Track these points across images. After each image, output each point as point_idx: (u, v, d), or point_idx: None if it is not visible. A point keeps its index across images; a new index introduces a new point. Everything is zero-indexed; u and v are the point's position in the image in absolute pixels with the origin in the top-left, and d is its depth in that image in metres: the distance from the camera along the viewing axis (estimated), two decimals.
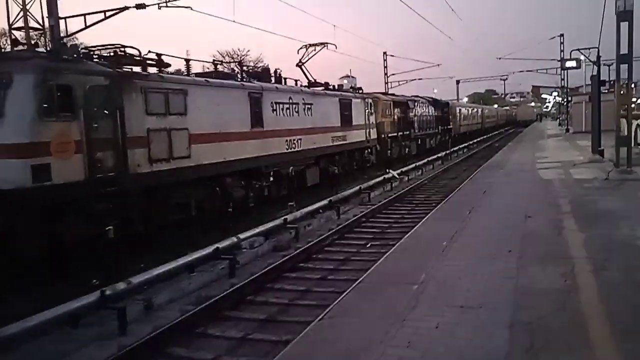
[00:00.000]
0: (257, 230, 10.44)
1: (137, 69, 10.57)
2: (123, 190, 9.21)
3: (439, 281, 5.43)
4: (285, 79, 18.76)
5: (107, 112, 9.03)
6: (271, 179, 14.41)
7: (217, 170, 11.75)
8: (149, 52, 11.44)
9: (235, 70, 14.60)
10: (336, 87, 20.39)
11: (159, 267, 8.01)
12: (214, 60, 13.77)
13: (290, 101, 15.26)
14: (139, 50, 10.65)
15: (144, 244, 9.71)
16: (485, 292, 4.96)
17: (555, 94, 56.16)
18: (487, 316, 4.36)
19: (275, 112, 14.37)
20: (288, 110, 15.09)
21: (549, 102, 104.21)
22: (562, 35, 43.60)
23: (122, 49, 10.42)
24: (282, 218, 11.59)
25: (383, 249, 9.68)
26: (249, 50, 46.14)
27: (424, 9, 25.09)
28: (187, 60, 12.54)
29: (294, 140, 15.35)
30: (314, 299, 7.33)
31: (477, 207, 9.82)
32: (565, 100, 45.95)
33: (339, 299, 5.25)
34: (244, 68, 15.71)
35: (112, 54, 10.34)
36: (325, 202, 13.94)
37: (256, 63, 44.14)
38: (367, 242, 10.74)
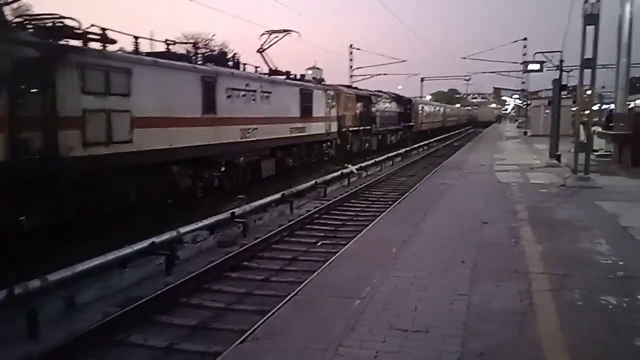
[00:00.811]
0: (200, 224, 9.77)
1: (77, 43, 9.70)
2: (52, 175, 8.37)
3: (384, 296, 4.90)
4: (244, 64, 18.03)
5: (36, 88, 8.17)
6: (223, 169, 13.71)
7: (163, 158, 10.98)
8: (92, 25, 10.57)
9: (190, 52, 13.67)
10: (297, 77, 19.73)
11: (83, 263, 7.26)
12: (166, 40, 12.86)
13: (247, 88, 14.55)
14: (79, 23, 9.76)
15: (79, 235, 8.92)
16: (434, 313, 4.46)
17: (515, 96, 57.14)
18: (434, 344, 3.83)
19: (230, 98, 13.63)
20: (244, 98, 14.38)
21: (509, 104, 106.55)
22: (525, 38, 44.30)
23: (61, 20, 9.51)
24: (230, 212, 10.95)
25: (334, 249, 9.23)
26: (214, 35, 44.67)
27: (391, 3, 24.65)
28: (136, 37, 11.61)
29: (249, 129, 14.67)
30: (253, 303, 6.77)
31: (432, 209, 9.42)
32: (524, 103, 46.72)
33: (270, 314, 4.64)
34: (201, 51, 14.81)
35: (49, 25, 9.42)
36: (278, 195, 13.36)
37: (221, 48, 42.86)
38: (318, 240, 10.24)
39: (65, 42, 9.06)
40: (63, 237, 8.60)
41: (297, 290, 5.14)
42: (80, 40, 9.83)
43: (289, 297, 4.96)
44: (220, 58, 14.99)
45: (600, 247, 6.81)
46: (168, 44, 12.69)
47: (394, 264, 5.97)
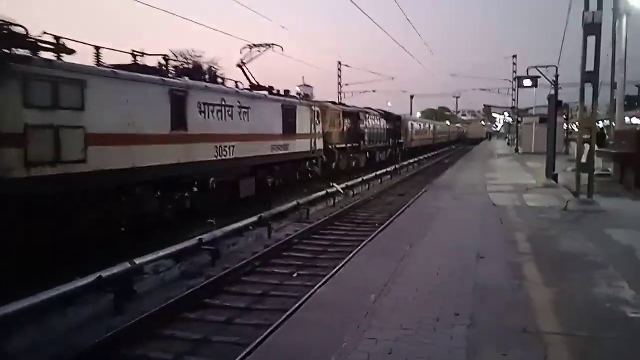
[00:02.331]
0: (161, 253, 8.67)
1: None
2: None
3: None
4: (223, 79, 17.10)
5: None
6: (195, 190, 12.64)
7: (124, 179, 9.91)
8: (44, 33, 9.58)
9: (162, 65, 12.65)
10: (281, 92, 18.80)
11: (15, 302, 6.17)
12: (133, 51, 11.87)
13: (223, 103, 13.55)
14: (26, 30, 8.77)
15: (17, 269, 7.80)
16: None
17: (506, 114, 56.72)
18: None
19: (203, 114, 12.62)
20: (220, 114, 13.37)
21: (499, 122, 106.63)
22: (515, 56, 43.87)
23: (6, 28, 8.52)
24: (197, 238, 9.87)
25: (310, 281, 8.21)
26: (203, 52, 43.79)
27: (378, 17, 23.95)
28: (97, 48, 10.64)
29: (225, 147, 13.63)
30: (209, 354, 5.68)
31: (420, 238, 8.30)
32: (515, 120, 46.20)
33: None
34: (175, 64, 13.80)
35: None
36: (254, 219, 12.30)
37: (210, 66, 41.98)
38: (294, 270, 9.18)
39: (6, 51, 8.04)
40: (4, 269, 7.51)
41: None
42: (29, 50, 8.89)
43: None
44: (195, 71, 14.01)
45: (623, 293, 5.55)
46: (135, 55, 11.71)
47: (371, 320, 4.78)
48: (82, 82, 8.87)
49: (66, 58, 9.54)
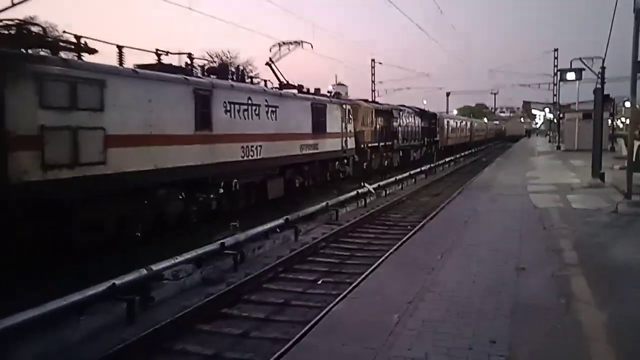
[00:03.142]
0: (179, 258, 8.34)
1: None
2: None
3: None
4: (252, 77, 16.80)
5: None
6: (221, 190, 12.32)
7: (145, 181, 9.66)
8: (65, 32, 9.44)
9: (189, 65, 12.39)
10: (311, 90, 18.35)
11: (21, 313, 5.92)
12: (157, 50, 11.64)
13: (250, 102, 13.20)
14: (44, 29, 8.62)
15: (41, 273, 7.63)
16: None
17: (547, 109, 54.68)
18: None
19: (229, 113, 12.29)
20: (246, 113, 13.02)
21: (539, 118, 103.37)
22: (556, 50, 42.14)
23: (25, 27, 8.38)
24: (219, 242, 9.52)
25: (334, 289, 7.73)
26: (238, 52, 43.95)
27: (412, 12, 23.24)
28: (120, 47, 10.43)
29: (252, 147, 13.27)
30: None
31: (453, 245, 7.64)
32: (557, 116, 44.41)
33: None
34: (201, 63, 13.54)
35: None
36: (280, 221, 11.90)
37: (245, 66, 42.04)
38: (319, 277, 8.71)
39: (22, 51, 7.86)
40: (21, 276, 7.35)
41: None
42: (49, 49, 8.73)
43: None
44: (221, 70, 13.72)
45: None
46: (159, 54, 11.47)
47: (391, 347, 4.14)
48: (101, 81, 8.63)
49: (88, 58, 9.43)
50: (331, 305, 5.59)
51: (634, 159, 9.69)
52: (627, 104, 56.41)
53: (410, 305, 4.92)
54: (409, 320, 4.57)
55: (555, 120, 50.39)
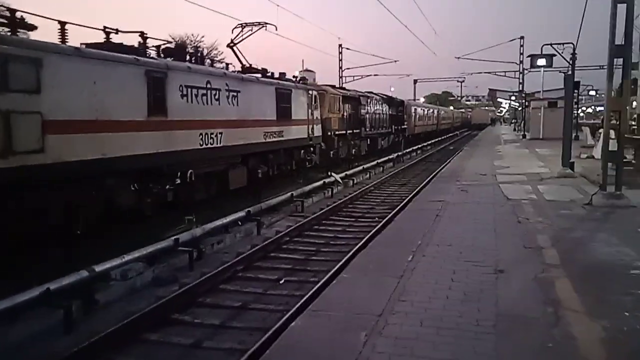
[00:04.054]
0: (126, 257, 7.58)
1: None
2: None
3: None
4: (212, 60, 15.95)
5: None
6: (178, 181, 11.51)
7: (92, 170, 8.81)
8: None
9: (143, 44, 11.42)
10: (275, 75, 17.56)
11: None
12: (104, 27, 10.65)
13: (209, 86, 12.37)
14: None
15: None
16: None
17: (513, 97, 55.11)
18: None
19: (185, 97, 11.45)
20: (205, 97, 12.19)
21: (503, 106, 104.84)
22: (522, 37, 42.30)
23: None
24: (173, 238, 8.79)
25: (298, 291, 7.14)
26: (203, 36, 42.37)
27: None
28: (62, 23, 9.46)
29: (211, 134, 12.47)
30: None
31: (424, 244, 6.96)
32: (522, 104, 44.78)
33: None
34: (156, 44, 12.55)
35: None
36: (241, 214, 11.23)
37: (210, 50, 40.58)
38: (281, 276, 8.10)
39: None
40: None
41: None
42: None
43: None
44: (178, 52, 12.82)
45: None
46: (108, 33, 10.51)
47: None
48: (37, 60, 7.70)
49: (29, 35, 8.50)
50: (283, 319, 4.95)
51: (609, 149, 9.32)
52: (592, 93, 57.60)
53: (380, 319, 4.28)
54: (378, 339, 3.91)
55: (520, 109, 50.91)
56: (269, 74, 17.06)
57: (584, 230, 7.71)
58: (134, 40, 11.28)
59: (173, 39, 41.05)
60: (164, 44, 12.59)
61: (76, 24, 10.33)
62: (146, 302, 6.86)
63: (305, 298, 5.83)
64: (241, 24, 17.10)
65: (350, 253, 7.87)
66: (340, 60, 45.33)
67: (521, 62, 42.00)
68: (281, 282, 7.83)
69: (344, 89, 28.31)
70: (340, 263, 7.32)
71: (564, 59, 14.02)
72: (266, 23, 17.17)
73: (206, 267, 8.49)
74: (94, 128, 8.83)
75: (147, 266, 8.40)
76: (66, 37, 9.40)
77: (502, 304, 4.61)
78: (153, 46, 12.07)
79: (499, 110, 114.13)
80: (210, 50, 40.33)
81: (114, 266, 7.42)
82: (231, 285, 7.61)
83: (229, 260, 8.58)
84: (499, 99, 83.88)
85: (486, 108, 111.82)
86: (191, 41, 42.57)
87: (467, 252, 6.43)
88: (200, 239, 9.77)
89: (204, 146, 12.17)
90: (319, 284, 6.37)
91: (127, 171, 9.81)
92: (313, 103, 19.57)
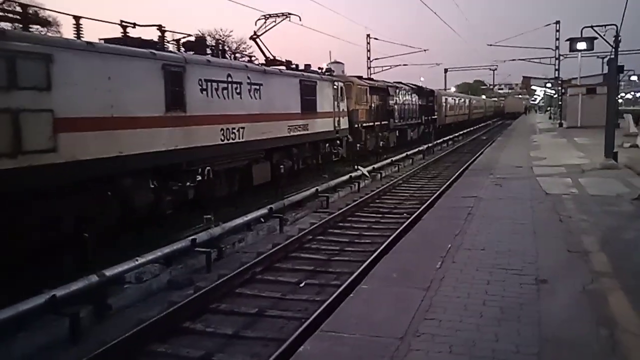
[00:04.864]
0: (139, 259, 7.28)
1: None
2: None
3: None
4: (234, 53, 15.60)
5: None
6: (199, 177, 11.20)
7: (107, 170, 8.53)
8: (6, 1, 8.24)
9: (162, 38, 11.12)
10: (300, 67, 17.09)
11: None
12: (121, 21, 10.38)
13: (230, 80, 11.98)
14: None
15: None
16: None
17: (549, 85, 53.16)
18: None
19: (205, 92, 11.09)
20: (225, 91, 11.82)
21: (537, 94, 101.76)
22: (558, 22, 40.54)
23: None
24: (190, 238, 8.47)
25: (318, 295, 6.70)
26: (232, 31, 42.20)
27: None
28: (77, 18, 9.20)
29: (233, 129, 12.10)
30: None
31: (454, 249, 6.32)
32: (559, 92, 43.08)
33: None
34: (177, 37, 12.25)
35: None
36: (263, 211, 10.86)
37: (239, 45, 40.37)
38: (302, 278, 7.67)
39: None
40: None
41: None
42: None
43: None
44: (199, 45, 12.46)
45: None
46: (125, 27, 10.22)
47: None
48: (47, 56, 7.41)
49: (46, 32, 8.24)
50: (287, 342, 4.45)
51: None
52: (633, 78, 55.13)
53: (401, 344, 3.72)
54: None
55: (556, 96, 49.08)
56: (294, 66, 16.62)
57: (636, 230, 6.96)
58: (153, 35, 11.01)
59: (202, 34, 41.07)
60: (183, 37, 12.26)
61: (92, 19, 10.08)
62: (159, 308, 6.55)
63: (314, 316, 5.35)
64: (264, 16, 16.69)
65: (369, 260, 7.33)
66: (368, 50, 44.46)
67: (557, 47, 40.32)
68: (301, 285, 7.40)
69: (371, 79, 27.62)
70: (357, 272, 6.80)
71: (606, 42, 13.08)
72: (290, 14, 16.70)
73: (225, 268, 8.14)
74: (109, 125, 8.53)
75: (165, 267, 8.13)
76: (81, 32, 9.15)
77: (546, 325, 3.98)
78: (173, 40, 11.79)
79: (532, 98, 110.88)
80: (240, 45, 40.18)
81: (127, 269, 7.12)
82: (249, 289, 7.22)
83: (249, 261, 8.20)
84: (532, 87, 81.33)
85: (519, 96, 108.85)
86: (220, 36, 42.49)
87: (502, 257, 5.81)
88: (221, 238, 9.45)
89: (225, 141, 11.81)
90: (333, 297, 5.86)
91: (145, 169, 9.52)
92: (339, 95, 19.03)
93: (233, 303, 6.72)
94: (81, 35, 9.07)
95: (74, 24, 9.25)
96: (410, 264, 5.74)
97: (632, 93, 69.77)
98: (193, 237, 8.54)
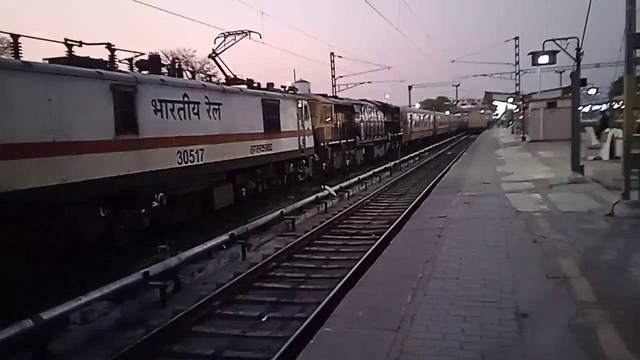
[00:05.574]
0: (83, 299, 6.58)
1: None
2: None
3: None
4: (193, 72, 15.03)
5: None
6: (155, 204, 10.51)
7: (49, 198, 7.81)
8: None
9: (111, 56, 10.46)
10: (261, 85, 16.64)
11: None
12: (65, 40, 9.72)
13: (186, 100, 11.41)
14: None
15: None
16: None
17: (510, 100, 54.26)
18: None
19: (160, 113, 10.48)
20: (182, 112, 11.23)
21: (500, 109, 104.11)
22: (517, 38, 41.54)
23: None
24: (142, 271, 7.79)
25: (281, 329, 6.14)
26: (195, 51, 41.46)
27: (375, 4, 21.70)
28: (15, 37, 8.52)
29: (191, 151, 11.49)
30: None
31: (425, 278, 5.81)
32: (521, 106, 43.93)
33: None
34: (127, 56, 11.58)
35: None
36: (224, 237, 10.25)
37: (203, 64, 39.70)
38: (264, 311, 7.09)
39: None
40: None
41: None
42: None
43: None
44: (153, 64, 11.84)
45: None
46: (70, 45, 9.57)
47: None
48: None
49: None
50: None
51: (632, 152, 8.34)
52: (591, 91, 56.71)
53: None
54: None
55: (518, 110, 50.08)
56: (255, 85, 16.15)
57: (615, 250, 6.63)
58: (102, 54, 10.37)
59: (164, 53, 40.17)
60: (135, 55, 11.64)
61: (34, 37, 9.44)
62: (105, 353, 5.87)
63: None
64: (223, 33, 16.23)
65: (331, 295, 6.81)
66: (333, 68, 44.59)
67: (517, 62, 41.21)
68: (263, 319, 6.82)
69: (336, 97, 27.44)
70: (317, 310, 6.26)
71: (569, 54, 13.08)
72: (250, 31, 16.29)
73: (181, 302, 7.49)
74: (49, 151, 7.85)
75: (116, 304, 7.43)
76: (20, 52, 8.46)
77: None
78: (125, 59, 11.16)
79: (495, 113, 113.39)
80: (204, 65, 39.51)
81: (68, 310, 6.41)
82: (206, 327, 6.59)
83: (208, 294, 7.58)
84: (495, 102, 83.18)
85: (482, 111, 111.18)
86: (184, 56, 41.72)
87: (478, 287, 5.33)
88: (179, 268, 8.80)
89: (183, 164, 11.19)
90: (284, 348, 5.27)
91: (93, 197, 8.82)
92: (304, 113, 18.63)
93: (188, 344, 6.08)
94: (20, 55, 8.41)
95: (11, 43, 8.61)
96: (377, 298, 5.21)
97: (590, 105, 71.85)
98: (145, 270, 7.86)
